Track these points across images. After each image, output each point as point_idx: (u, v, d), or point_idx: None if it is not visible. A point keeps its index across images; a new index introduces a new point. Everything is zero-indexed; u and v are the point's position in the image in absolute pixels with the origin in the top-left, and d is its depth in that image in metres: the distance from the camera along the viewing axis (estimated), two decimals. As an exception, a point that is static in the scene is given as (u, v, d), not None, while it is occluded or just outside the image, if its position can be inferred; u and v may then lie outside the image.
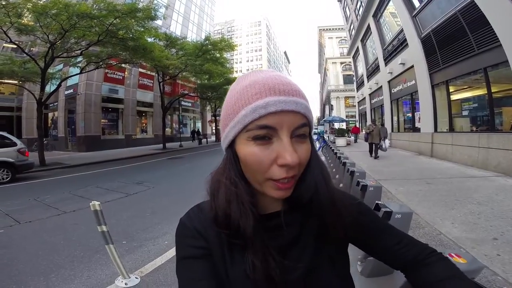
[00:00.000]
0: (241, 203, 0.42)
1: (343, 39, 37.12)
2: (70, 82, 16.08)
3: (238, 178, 0.43)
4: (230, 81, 22.16)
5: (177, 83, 23.37)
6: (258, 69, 0.48)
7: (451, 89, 8.31)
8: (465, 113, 7.83)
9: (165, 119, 18.40)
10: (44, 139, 12.68)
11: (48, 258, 2.70)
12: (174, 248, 0.49)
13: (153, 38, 13.76)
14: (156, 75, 18.03)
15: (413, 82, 10.49)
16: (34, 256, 2.75)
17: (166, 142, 17.65)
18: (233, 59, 63.67)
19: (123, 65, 15.33)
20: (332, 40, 40.83)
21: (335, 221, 0.46)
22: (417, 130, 10.60)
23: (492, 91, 6.45)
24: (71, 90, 17.16)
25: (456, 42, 7.28)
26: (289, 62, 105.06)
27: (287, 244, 0.46)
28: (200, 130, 29.65)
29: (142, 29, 11.62)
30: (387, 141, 9.64)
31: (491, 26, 5.86)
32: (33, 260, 2.68)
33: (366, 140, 10.11)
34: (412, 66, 10.25)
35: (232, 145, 0.44)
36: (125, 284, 2.15)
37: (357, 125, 22.79)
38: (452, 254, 1.08)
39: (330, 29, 41.39)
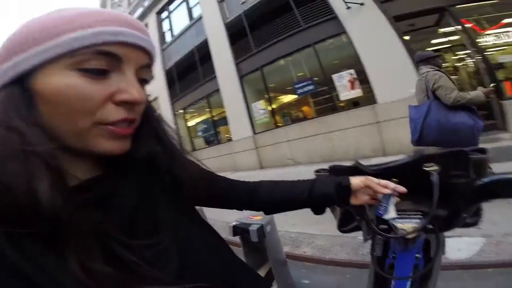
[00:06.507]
0: (43, 168, 0.28)
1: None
2: None
3: (32, 128, 0.29)
4: None
5: None
6: None
7: (187, 116, 10.28)
8: (199, 133, 10.05)
9: None
10: None
11: None
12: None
13: None
14: None
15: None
16: None
17: None
18: None
19: None
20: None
21: (187, 177, 0.43)
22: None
23: (213, 114, 8.89)
24: None
25: (191, 73, 9.25)
26: None
27: (129, 217, 0.35)
28: None
29: None
30: None
31: (212, 61, 8.18)
32: None
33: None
34: (157, 98, 11.25)
35: (24, 79, 0.31)
36: None
37: None
38: (251, 216, 1.29)
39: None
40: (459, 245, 1.75)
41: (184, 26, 9.79)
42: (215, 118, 8.99)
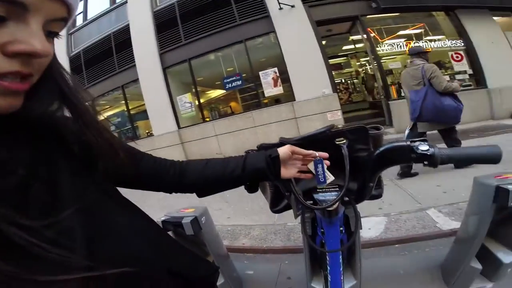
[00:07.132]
0: None
1: None
2: None
3: None
4: None
5: None
6: None
7: (96, 108, 8.79)
8: (112, 128, 8.73)
9: None
10: None
11: None
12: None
13: None
14: None
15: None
16: None
17: None
18: None
19: None
20: None
21: (103, 144, 0.39)
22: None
23: (129, 107, 7.90)
24: None
25: (102, 61, 7.96)
26: None
27: (18, 191, 0.29)
28: None
29: None
30: None
31: (132, 48, 7.21)
32: None
33: None
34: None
35: None
36: None
37: None
38: (183, 209, 1.20)
39: None
40: (368, 225, 1.99)
41: (102, 9, 8.45)
42: (132, 112, 8.04)
